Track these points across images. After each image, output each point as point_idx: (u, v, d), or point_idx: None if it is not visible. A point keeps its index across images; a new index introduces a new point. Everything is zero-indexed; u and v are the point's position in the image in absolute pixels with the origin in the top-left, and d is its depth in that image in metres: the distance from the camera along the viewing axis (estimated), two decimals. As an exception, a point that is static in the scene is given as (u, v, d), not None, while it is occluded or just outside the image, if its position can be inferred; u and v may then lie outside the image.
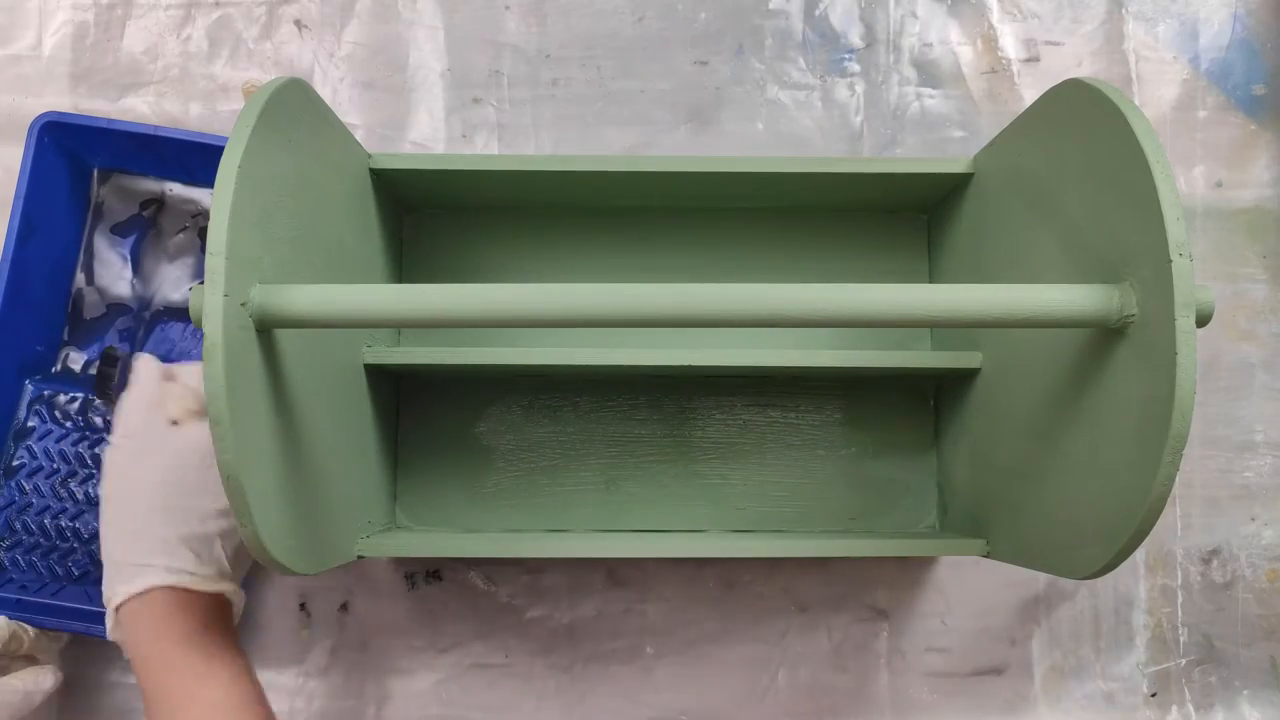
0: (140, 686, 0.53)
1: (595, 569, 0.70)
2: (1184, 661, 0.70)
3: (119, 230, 0.71)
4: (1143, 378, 0.44)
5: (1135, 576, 0.70)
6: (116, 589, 0.54)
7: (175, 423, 0.57)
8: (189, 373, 0.59)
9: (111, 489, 0.56)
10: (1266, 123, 0.74)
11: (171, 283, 0.71)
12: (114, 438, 0.58)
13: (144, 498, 0.55)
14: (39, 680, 0.60)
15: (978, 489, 0.63)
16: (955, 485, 0.67)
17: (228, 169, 0.43)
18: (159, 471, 0.55)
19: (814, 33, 0.74)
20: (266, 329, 0.46)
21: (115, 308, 0.71)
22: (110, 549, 0.55)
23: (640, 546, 0.61)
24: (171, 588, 0.53)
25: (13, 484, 0.68)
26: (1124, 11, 0.75)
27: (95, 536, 0.67)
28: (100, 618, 0.66)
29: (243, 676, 0.53)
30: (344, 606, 0.69)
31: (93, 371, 0.69)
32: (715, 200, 0.69)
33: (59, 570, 0.67)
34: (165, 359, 0.70)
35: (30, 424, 0.69)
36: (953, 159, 0.64)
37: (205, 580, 0.54)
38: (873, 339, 0.69)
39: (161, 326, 0.70)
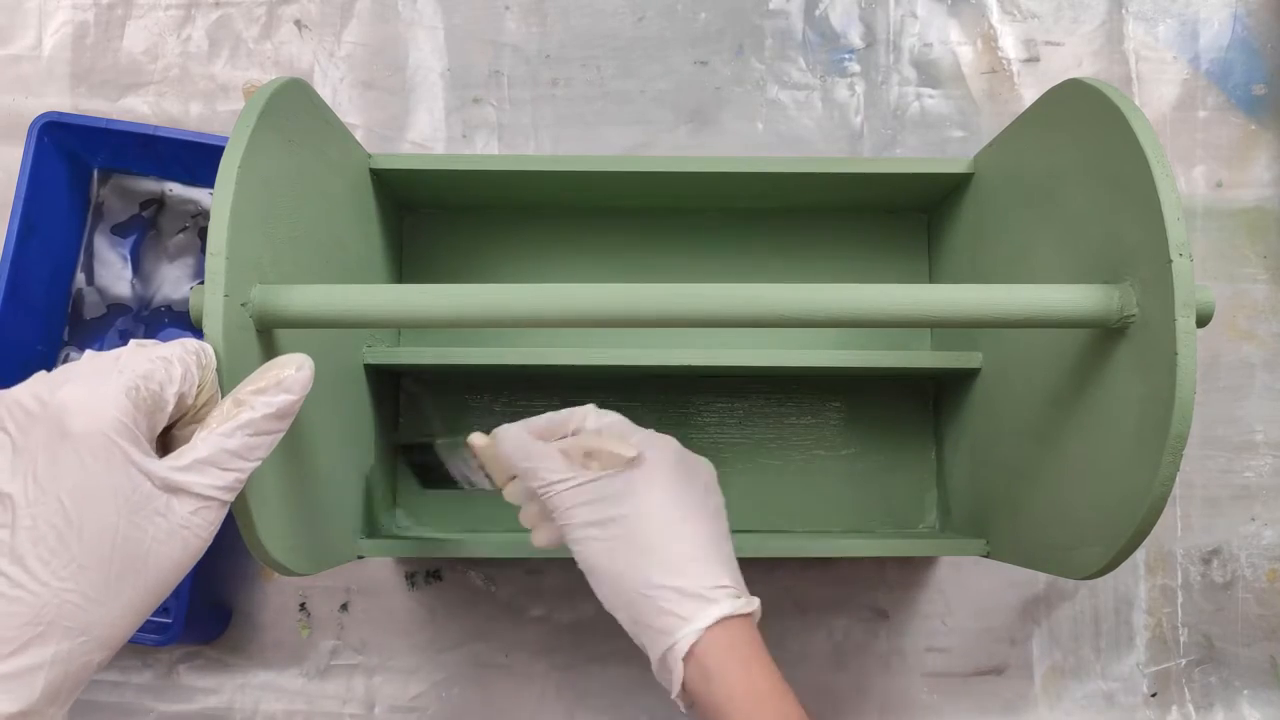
0: None
1: (595, 569, 0.70)
2: (1184, 661, 0.70)
3: (119, 230, 0.71)
4: (1143, 378, 0.44)
5: (1135, 576, 0.70)
6: (673, 637, 0.47)
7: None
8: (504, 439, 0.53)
9: (601, 565, 0.50)
10: (1266, 123, 0.74)
11: (171, 283, 0.71)
12: (575, 531, 0.50)
13: (635, 555, 0.49)
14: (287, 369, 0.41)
15: (978, 489, 0.63)
16: (955, 485, 0.67)
17: (228, 169, 0.43)
18: (635, 525, 0.49)
19: (814, 33, 0.74)
20: (266, 329, 0.46)
21: (115, 308, 0.71)
22: (630, 614, 0.49)
23: (640, 546, 0.61)
24: (728, 616, 0.47)
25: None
26: (1124, 11, 0.75)
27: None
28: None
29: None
30: (344, 606, 0.69)
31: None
32: (715, 200, 0.69)
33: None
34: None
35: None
36: (953, 159, 0.64)
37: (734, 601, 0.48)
38: (873, 339, 0.69)
39: (161, 327, 0.71)
